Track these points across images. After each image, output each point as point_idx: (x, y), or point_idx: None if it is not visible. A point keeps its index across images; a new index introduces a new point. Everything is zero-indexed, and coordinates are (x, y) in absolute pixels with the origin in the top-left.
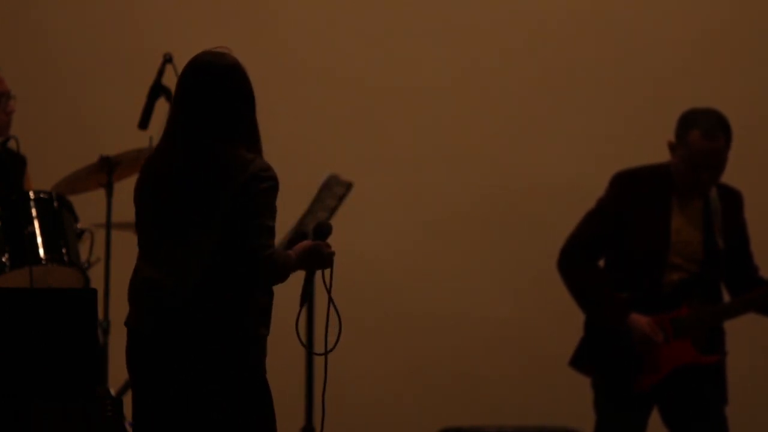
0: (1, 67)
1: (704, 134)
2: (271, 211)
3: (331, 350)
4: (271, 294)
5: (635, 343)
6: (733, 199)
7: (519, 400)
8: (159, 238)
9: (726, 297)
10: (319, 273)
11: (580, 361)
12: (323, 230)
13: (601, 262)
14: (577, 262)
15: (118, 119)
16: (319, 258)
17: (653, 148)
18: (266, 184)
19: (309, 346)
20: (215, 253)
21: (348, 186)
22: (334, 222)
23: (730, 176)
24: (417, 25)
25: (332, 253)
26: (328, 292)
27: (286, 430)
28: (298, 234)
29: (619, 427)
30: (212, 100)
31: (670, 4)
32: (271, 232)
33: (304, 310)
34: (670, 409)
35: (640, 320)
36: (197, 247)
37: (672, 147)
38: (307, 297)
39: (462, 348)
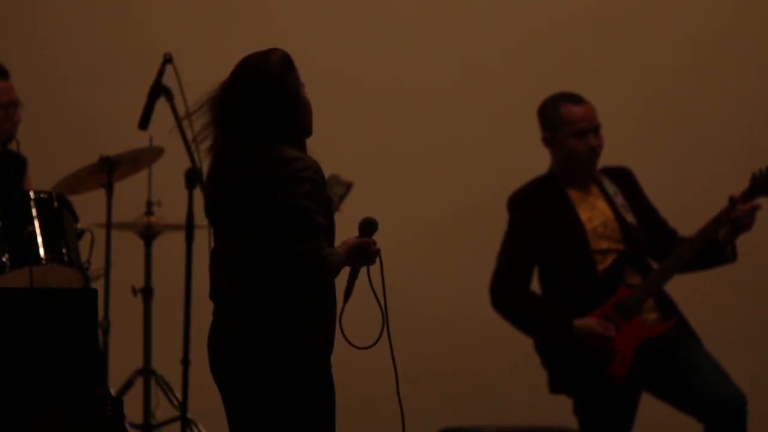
0: (11, 75)
1: (573, 102)
2: (307, 213)
3: (372, 345)
4: (324, 298)
5: (592, 344)
6: (623, 176)
7: (519, 400)
8: (215, 239)
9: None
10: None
11: (556, 384)
12: (369, 226)
13: (535, 285)
14: (509, 293)
15: (118, 119)
16: (365, 254)
17: (654, 148)
18: (298, 187)
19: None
20: (260, 255)
21: (348, 186)
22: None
23: (730, 176)
24: (417, 25)
25: (378, 250)
26: (372, 287)
27: None
28: None
29: (609, 425)
30: (244, 99)
31: (671, 5)
32: (308, 235)
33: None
34: (656, 383)
35: (587, 322)
36: (242, 250)
37: (548, 139)
38: (350, 293)
39: (462, 348)
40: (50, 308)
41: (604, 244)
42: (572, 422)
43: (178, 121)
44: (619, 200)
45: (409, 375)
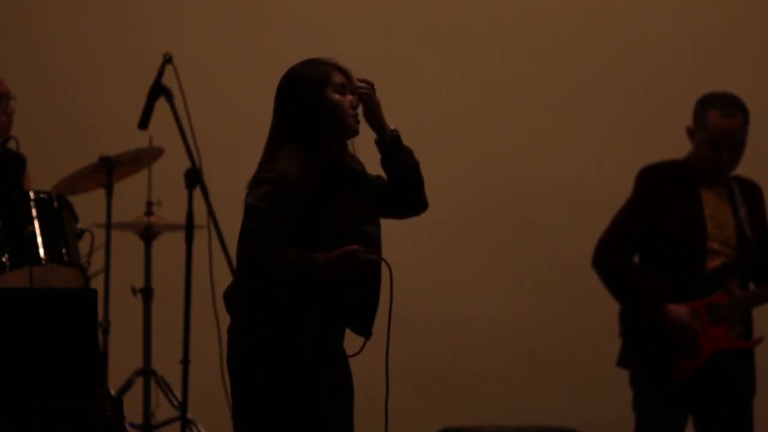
0: (9, 73)
1: (722, 113)
2: (257, 212)
3: (357, 354)
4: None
5: (675, 332)
6: (753, 191)
7: (519, 400)
8: None
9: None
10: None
11: (623, 357)
12: (364, 237)
13: (636, 258)
14: (612, 258)
15: (118, 119)
16: (352, 263)
17: (654, 148)
18: (258, 188)
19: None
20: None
21: None
22: None
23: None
24: (417, 25)
25: (371, 260)
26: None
27: None
28: None
29: (661, 423)
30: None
31: (672, 5)
32: (252, 233)
33: None
34: (698, 392)
35: (679, 310)
36: None
37: (691, 132)
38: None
39: (462, 348)
40: (50, 308)
41: (716, 247)
42: (572, 422)
43: (178, 121)
44: (743, 213)
45: (409, 375)
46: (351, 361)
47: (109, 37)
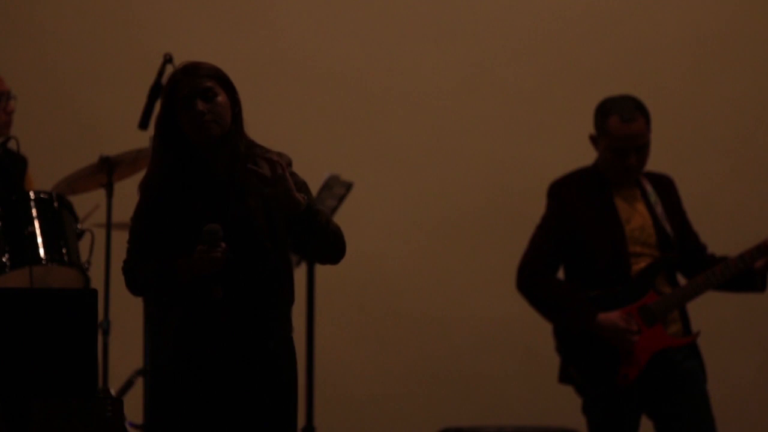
0: (9, 73)
1: (622, 118)
2: (132, 226)
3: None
4: (165, 304)
5: (611, 341)
6: (665, 184)
7: (519, 400)
8: None
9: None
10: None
11: (563, 374)
12: (208, 234)
13: (561, 274)
14: (535, 277)
15: (118, 119)
16: (201, 263)
17: (654, 148)
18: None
19: (310, 347)
20: None
21: (348, 186)
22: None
23: (730, 176)
24: (417, 25)
25: (214, 258)
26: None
27: None
28: None
29: (613, 428)
30: None
31: (673, 6)
32: (132, 246)
33: (302, 309)
34: (654, 397)
35: (610, 317)
36: None
37: (594, 140)
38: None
39: (462, 348)
40: (50, 308)
41: (638, 248)
42: (572, 422)
43: None
44: (659, 210)
45: (409, 375)
46: (356, 360)
47: (109, 37)
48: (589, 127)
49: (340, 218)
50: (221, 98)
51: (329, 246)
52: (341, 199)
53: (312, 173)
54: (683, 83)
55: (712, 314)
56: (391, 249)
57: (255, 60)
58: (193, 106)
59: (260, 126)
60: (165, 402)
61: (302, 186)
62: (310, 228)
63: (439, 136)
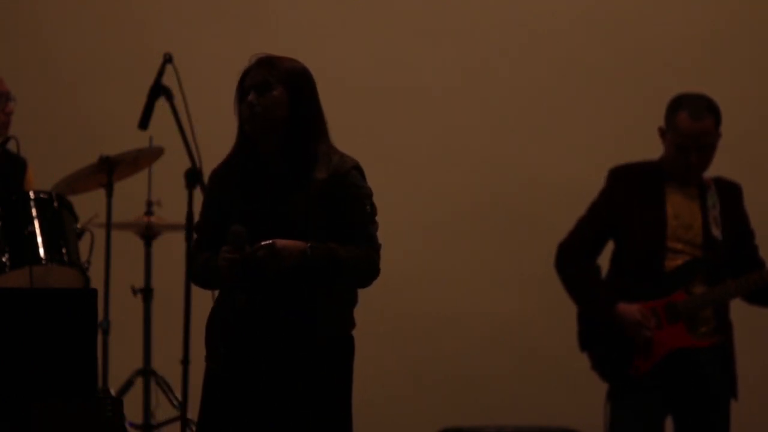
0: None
1: (691, 115)
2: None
3: None
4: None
5: (627, 331)
6: (731, 192)
7: (519, 400)
8: None
9: None
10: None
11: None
12: (230, 236)
13: (604, 260)
14: (572, 258)
15: (118, 119)
16: (221, 264)
17: (655, 148)
18: None
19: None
20: None
21: None
22: None
23: (730, 176)
24: (417, 25)
25: (229, 259)
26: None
27: None
28: None
29: (631, 417)
30: None
31: (674, 5)
32: (197, 236)
33: None
34: (673, 395)
35: (629, 308)
36: None
37: (662, 133)
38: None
39: (462, 348)
40: (50, 308)
41: (680, 246)
42: (572, 422)
43: (178, 121)
44: (714, 213)
45: (409, 375)
46: (355, 360)
47: (109, 37)
48: (592, 127)
49: None
50: (276, 93)
51: (349, 280)
52: None
53: None
54: (683, 83)
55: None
56: (392, 249)
57: None
58: (246, 98)
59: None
60: (212, 401)
61: (358, 193)
62: (320, 274)
63: (440, 135)
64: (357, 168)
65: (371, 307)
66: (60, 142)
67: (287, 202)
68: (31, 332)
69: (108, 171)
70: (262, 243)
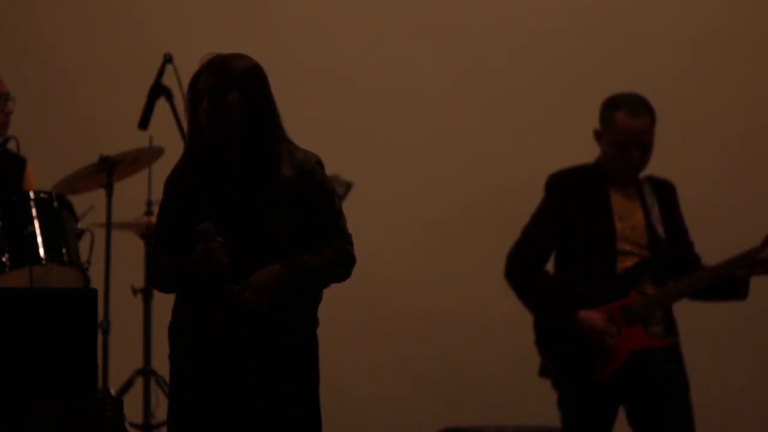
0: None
1: (629, 113)
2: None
3: None
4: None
5: (590, 338)
6: (666, 190)
7: (519, 400)
8: None
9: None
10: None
11: (543, 367)
12: (200, 233)
13: (551, 266)
14: (523, 267)
15: (118, 119)
16: (203, 259)
17: (654, 148)
18: None
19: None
20: None
21: (348, 186)
22: None
23: (730, 176)
24: (417, 25)
25: (212, 249)
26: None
27: None
28: None
29: (587, 424)
30: None
31: (674, 5)
32: (154, 245)
33: None
34: (632, 397)
35: (592, 316)
36: None
37: (599, 135)
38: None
39: (462, 348)
40: (50, 308)
41: (627, 247)
42: None
43: (178, 121)
44: (655, 212)
45: (409, 375)
46: (355, 360)
47: (109, 37)
48: (589, 126)
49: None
50: (231, 98)
51: (327, 284)
52: (341, 199)
53: None
54: (683, 83)
55: (711, 316)
56: (391, 249)
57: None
58: (201, 104)
59: None
60: (181, 403)
61: (326, 189)
62: (297, 291)
63: (439, 135)
64: (320, 163)
65: (371, 307)
66: (60, 142)
67: (256, 201)
68: (31, 332)
69: (108, 171)
70: (243, 287)
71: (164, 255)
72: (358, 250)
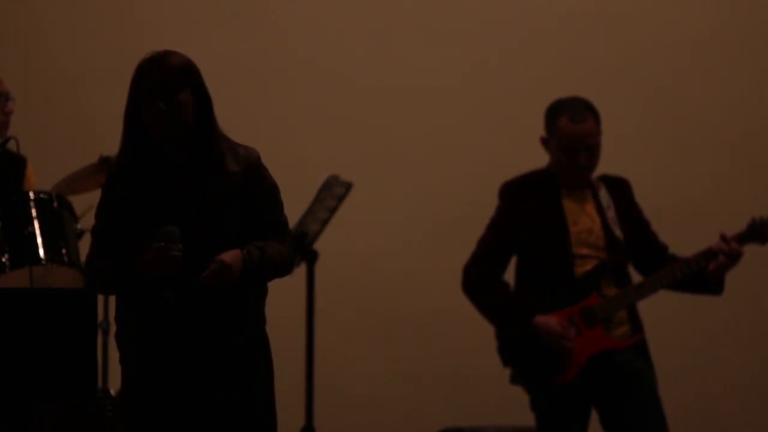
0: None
1: (572, 119)
2: (96, 223)
3: None
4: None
5: (548, 343)
6: (620, 187)
7: (519, 400)
8: None
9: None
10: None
11: (512, 374)
12: (164, 234)
13: (511, 273)
14: (481, 278)
15: (118, 119)
16: (157, 259)
17: (654, 148)
18: None
19: (309, 347)
20: None
21: (348, 186)
22: (334, 222)
23: (730, 176)
24: (417, 25)
25: (171, 256)
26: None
27: (287, 430)
28: (298, 234)
29: (558, 425)
30: None
31: (674, 5)
32: (90, 246)
33: (302, 309)
34: (600, 398)
35: (548, 321)
36: None
37: (545, 141)
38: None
39: (462, 348)
40: (50, 308)
41: (585, 251)
42: None
43: None
44: (611, 213)
45: (409, 375)
46: (355, 360)
47: (109, 37)
48: None
49: (340, 218)
50: (183, 96)
51: (276, 275)
52: (341, 199)
53: (311, 173)
54: (683, 83)
55: (711, 316)
56: (391, 249)
57: (254, 59)
58: (153, 104)
59: (259, 126)
60: (134, 407)
61: (270, 184)
62: (254, 277)
63: (439, 135)
64: (259, 158)
65: (371, 306)
66: (60, 142)
67: (206, 197)
68: (31, 332)
69: (108, 171)
70: (212, 266)
71: (103, 255)
72: (359, 250)
